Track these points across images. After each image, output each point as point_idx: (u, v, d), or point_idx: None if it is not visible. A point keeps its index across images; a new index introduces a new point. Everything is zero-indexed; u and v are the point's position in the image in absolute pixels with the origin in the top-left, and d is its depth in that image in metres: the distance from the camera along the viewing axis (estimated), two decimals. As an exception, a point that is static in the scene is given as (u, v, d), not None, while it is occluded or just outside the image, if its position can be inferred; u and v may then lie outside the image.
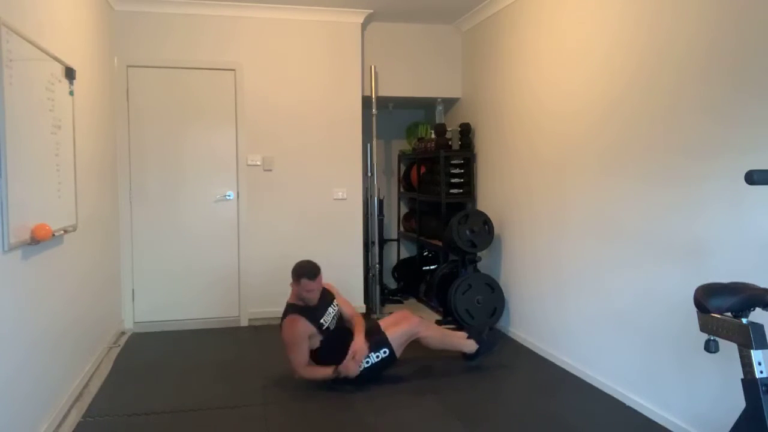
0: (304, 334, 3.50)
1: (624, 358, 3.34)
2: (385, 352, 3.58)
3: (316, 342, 3.56)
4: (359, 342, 3.57)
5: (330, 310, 3.68)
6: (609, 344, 3.47)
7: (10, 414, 2.50)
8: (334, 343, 3.59)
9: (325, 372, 3.53)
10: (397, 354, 3.62)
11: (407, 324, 3.69)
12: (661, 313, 3.04)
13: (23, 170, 2.63)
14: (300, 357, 3.53)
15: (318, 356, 3.59)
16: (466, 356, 3.83)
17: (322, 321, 3.58)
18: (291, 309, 3.59)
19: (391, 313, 4.02)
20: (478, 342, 3.81)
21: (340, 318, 3.74)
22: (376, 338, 3.63)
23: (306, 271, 3.56)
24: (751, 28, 2.51)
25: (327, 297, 3.72)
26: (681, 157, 2.90)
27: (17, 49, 2.56)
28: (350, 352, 3.53)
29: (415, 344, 3.72)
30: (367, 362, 3.55)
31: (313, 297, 3.58)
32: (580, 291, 3.76)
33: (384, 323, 3.78)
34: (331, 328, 3.63)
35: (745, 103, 2.55)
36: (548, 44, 4.09)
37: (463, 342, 3.82)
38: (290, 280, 3.63)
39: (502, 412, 3.21)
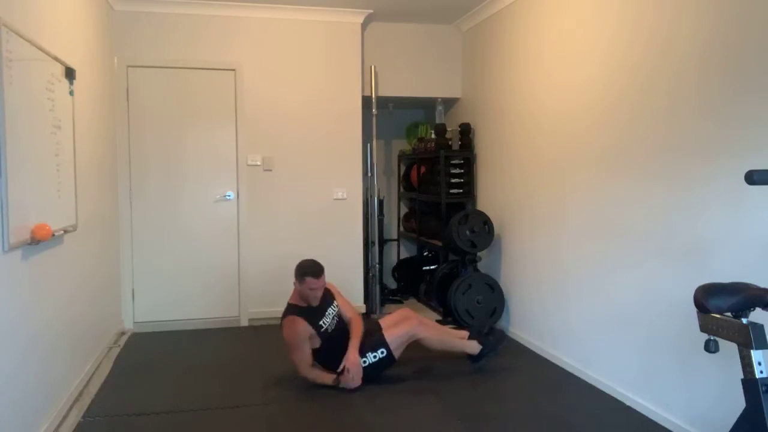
0: (304, 335, 3.49)
1: (624, 358, 3.34)
2: (382, 353, 3.57)
3: (316, 342, 3.56)
4: (351, 356, 3.52)
5: (330, 311, 3.68)
6: (609, 344, 3.47)
7: (9, 414, 2.50)
8: (334, 344, 3.59)
9: (328, 378, 3.54)
10: (396, 355, 3.61)
11: (407, 325, 3.66)
12: (661, 313, 3.04)
13: (23, 170, 2.63)
14: (302, 358, 3.53)
15: (317, 357, 3.60)
16: (471, 358, 3.78)
17: (321, 323, 3.57)
18: (291, 310, 3.58)
19: (391, 312, 4.00)
20: (481, 343, 3.76)
21: (340, 318, 3.74)
22: (374, 338, 3.62)
23: (311, 269, 3.55)
24: (751, 28, 2.51)
25: (327, 298, 3.71)
26: (681, 157, 2.90)
27: (17, 49, 2.56)
28: (343, 364, 3.51)
29: (415, 344, 3.70)
30: (365, 362, 3.55)
31: (317, 296, 3.57)
32: (580, 291, 3.75)
33: (384, 323, 3.77)
34: (330, 330, 3.62)
35: (744, 104, 2.55)
36: (548, 44, 4.09)
37: (465, 343, 3.77)
38: (291, 279, 3.62)
39: (502, 412, 3.21)
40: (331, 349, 3.58)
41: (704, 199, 2.76)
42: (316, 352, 3.58)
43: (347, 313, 3.79)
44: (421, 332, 3.66)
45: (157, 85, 4.86)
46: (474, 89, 5.37)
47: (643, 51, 3.16)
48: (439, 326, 3.96)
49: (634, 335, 3.25)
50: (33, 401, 2.76)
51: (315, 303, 3.58)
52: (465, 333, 3.88)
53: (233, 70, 4.98)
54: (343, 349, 3.56)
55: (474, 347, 3.75)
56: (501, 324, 4.79)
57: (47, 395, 2.95)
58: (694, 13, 2.81)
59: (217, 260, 5.01)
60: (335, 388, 3.51)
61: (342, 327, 3.71)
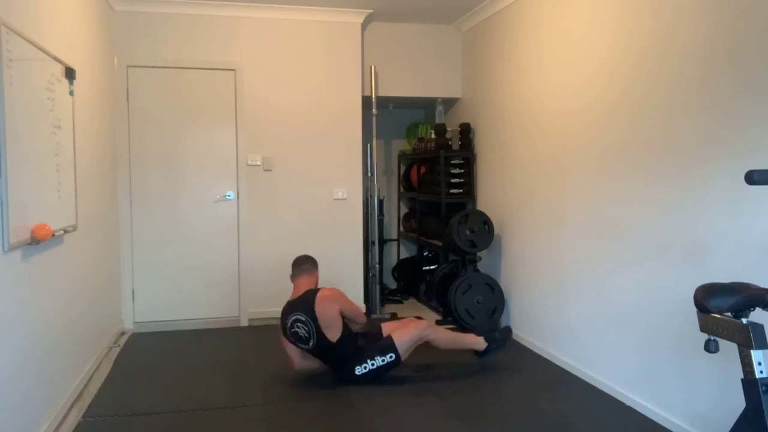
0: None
1: (624, 358, 3.34)
2: (391, 357, 3.55)
3: (335, 332, 3.55)
4: None
5: None
6: (609, 344, 3.47)
7: (9, 414, 2.50)
8: (350, 338, 3.60)
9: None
10: (403, 358, 3.60)
11: (414, 327, 3.63)
12: (661, 313, 3.04)
13: (23, 170, 2.63)
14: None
15: (332, 351, 3.57)
16: (477, 353, 3.80)
17: None
18: (313, 289, 3.60)
19: (392, 314, 4.00)
20: (488, 339, 3.78)
21: None
22: (383, 342, 3.59)
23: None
24: (751, 28, 2.51)
25: None
26: (681, 157, 2.90)
27: (17, 49, 2.56)
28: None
29: (422, 344, 3.68)
30: (373, 365, 3.54)
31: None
32: (580, 291, 3.75)
33: (387, 326, 3.77)
34: None
35: (744, 104, 2.55)
36: (548, 44, 4.09)
37: (474, 340, 3.79)
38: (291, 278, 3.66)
39: (503, 412, 3.21)
40: (346, 343, 3.56)
41: (704, 199, 2.76)
42: (332, 347, 3.55)
43: None
44: (431, 334, 3.66)
45: (157, 85, 4.86)
46: (474, 89, 5.37)
47: (643, 51, 3.16)
48: (449, 330, 3.92)
49: (634, 335, 3.25)
50: (33, 401, 2.76)
51: None
52: (475, 336, 3.86)
53: (233, 70, 4.98)
54: (354, 345, 3.59)
55: (481, 343, 3.78)
56: (501, 324, 4.78)
57: (47, 395, 2.95)
58: (694, 13, 2.81)
59: (217, 260, 5.01)
60: (335, 388, 3.53)
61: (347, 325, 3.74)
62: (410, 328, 3.63)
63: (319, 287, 3.65)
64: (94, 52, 4.06)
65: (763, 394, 1.74)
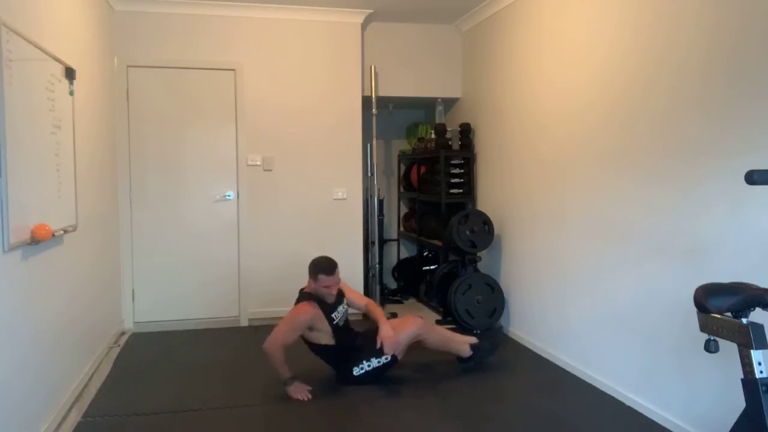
0: (306, 320, 3.45)
1: (624, 358, 3.34)
2: (386, 358, 3.56)
3: (327, 339, 3.54)
4: (385, 332, 3.53)
5: (340, 308, 3.65)
6: (609, 344, 3.47)
7: (9, 414, 2.50)
8: (346, 342, 3.60)
9: (283, 370, 3.41)
10: (399, 357, 3.61)
11: (411, 325, 3.65)
12: (661, 313, 3.04)
13: (23, 170, 2.63)
14: (285, 335, 3.40)
15: (328, 354, 3.59)
16: (460, 359, 3.82)
17: (332, 316, 3.57)
18: (307, 296, 3.56)
19: (393, 314, 3.99)
20: (473, 348, 3.78)
21: (347, 318, 3.73)
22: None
23: (323, 266, 3.52)
24: (750, 28, 2.51)
25: (339, 296, 3.66)
26: (681, 157, 2.90)
27: (17, 49, 2.56)
28: (379, 339, 3.51)
29: (415, 345, 3.71)
30: (369, 365, 3.55)
31: (331, 293, 3.53)
32: (580, 291, 3.76)
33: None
34: (341, 324, 3.62)
35: (744, 104, 2.55)
36: (548, 44, 4.09)
37: (462, 347, 3.79)
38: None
39: (502, 413, 3.21)
40: (343, 346, 3.57)
41: (704, 199, 2.76)
42: (327, 349, 3.56)
43: (360, 301, 3.81)
44: (424, 333, 3.68)
45: (157, 85, 4.86)
46: (474, 89, 5.37)
47: (643, 51, 3.16)
48: (445, 330, 3.92)
49: (634, 335, 3.25)
50: (33, 401, 2.76)
51: (329, 300, 3.55)
52: (472, 339, 3.85)
53: (233, 70, 4.98)
54: (351, 348, 3.57)
55: (467, 351, 3.79)
56: (501, 324, 4.79)
57: (47, 395, 2.95)
58: (695, 13, 2.81)
59: (217, 260, 5.01)
60: (335, 388, 3.52)
61: (347, 325, 3.71)
62: (407, 327, 3.64)
63: (305, 292, 3.63)
64: (94, 52, 4.06)
65: (763, 394, 1.74)
